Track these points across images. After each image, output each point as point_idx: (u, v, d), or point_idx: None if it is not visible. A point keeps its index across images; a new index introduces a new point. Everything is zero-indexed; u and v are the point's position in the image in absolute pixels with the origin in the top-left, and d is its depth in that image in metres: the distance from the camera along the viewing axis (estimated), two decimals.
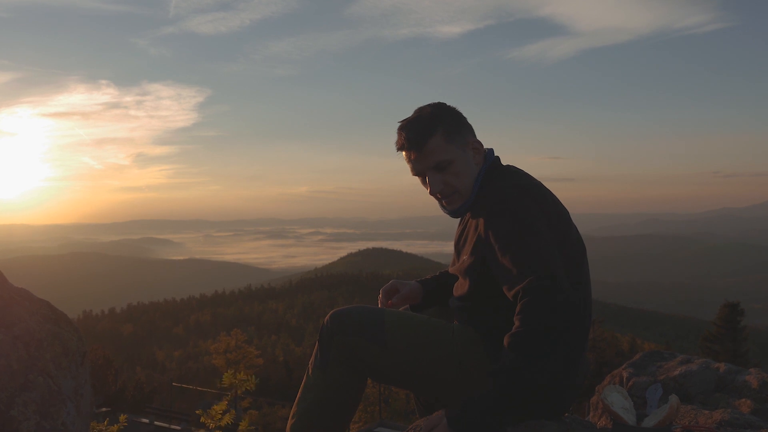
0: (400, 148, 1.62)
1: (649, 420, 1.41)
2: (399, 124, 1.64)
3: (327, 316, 1.57)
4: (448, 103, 1.65)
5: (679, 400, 1.43)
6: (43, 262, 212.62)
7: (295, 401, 1.56)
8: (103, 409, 17.26)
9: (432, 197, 1.66)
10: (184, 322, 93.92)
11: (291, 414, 1.56)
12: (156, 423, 17.81)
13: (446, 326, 1.55)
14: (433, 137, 1.56)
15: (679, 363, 1.82)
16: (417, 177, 1.63)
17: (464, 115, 1.65)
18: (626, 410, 1.46)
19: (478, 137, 1.65)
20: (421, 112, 1.63)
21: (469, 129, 1.64)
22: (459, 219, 1.70)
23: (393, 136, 1.63)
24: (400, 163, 1.65)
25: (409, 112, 1.64)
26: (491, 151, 1.66)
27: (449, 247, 1.87)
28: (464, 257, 1.57)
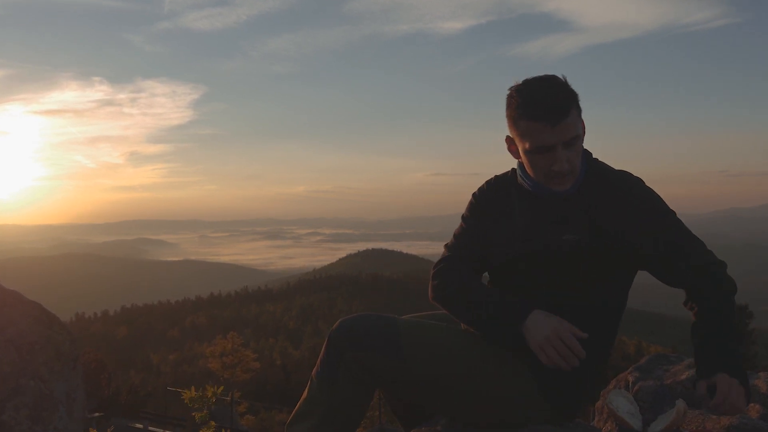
0: (532, 117, 1.34)
1: (656, 425, 1.40)
2: (523, 88, 1.38)
3: (335, 325, 1.45)
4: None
5: (687, 405, 1.41)
6: (35, 264, 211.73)
7: (298, 409, 1.47)
8: (96, 414, 17.12)
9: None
10: (180, 324, 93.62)
11: (289, 420, 1.49)
12: (150, 428, 17.70)
13: (466, 335, 1.46)
14: (573, 109, 1.36)
15: (687, 367, 1.80)
16: (533, 153, 1.38)
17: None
18: (632, 415, 1.44)
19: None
20: (554, 79, 1.38)
21: None
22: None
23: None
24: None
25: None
26: None
27: None
28: (566, 235, 1.40)
